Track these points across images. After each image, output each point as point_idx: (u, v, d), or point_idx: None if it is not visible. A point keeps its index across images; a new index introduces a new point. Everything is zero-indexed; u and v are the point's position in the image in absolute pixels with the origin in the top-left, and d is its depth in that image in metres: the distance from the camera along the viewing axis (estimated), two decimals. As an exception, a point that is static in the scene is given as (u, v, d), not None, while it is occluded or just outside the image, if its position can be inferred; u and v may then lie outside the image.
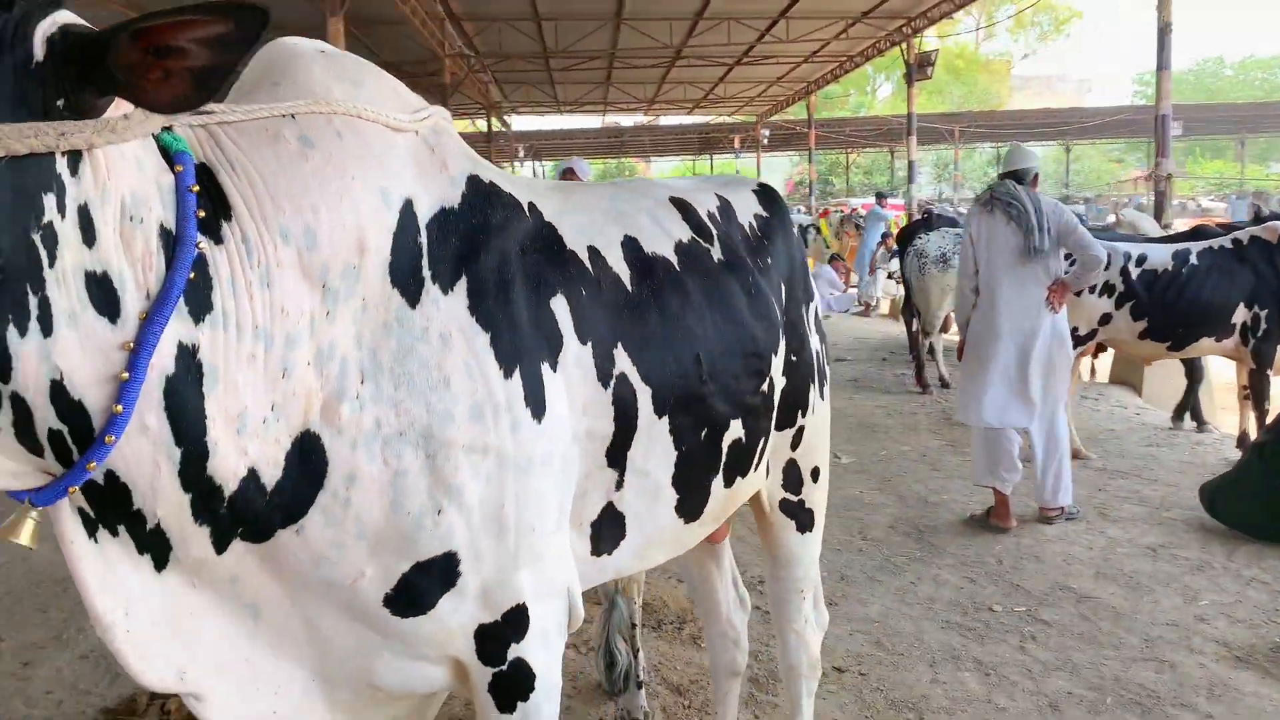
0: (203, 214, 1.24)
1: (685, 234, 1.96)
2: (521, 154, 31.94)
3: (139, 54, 1.09)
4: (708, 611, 2.72)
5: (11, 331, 1.07)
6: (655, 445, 1.78)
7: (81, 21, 1.12)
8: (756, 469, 2.10)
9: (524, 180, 1.83)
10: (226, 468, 1.28)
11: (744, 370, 1.95)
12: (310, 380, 1.34)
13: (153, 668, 1.30)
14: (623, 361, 1.71)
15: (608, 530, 1.77)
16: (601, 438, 1.69)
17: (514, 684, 1.60)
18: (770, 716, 3.27)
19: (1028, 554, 4.73)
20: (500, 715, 1.61)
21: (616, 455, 1.72)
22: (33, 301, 1.09)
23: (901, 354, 10.46)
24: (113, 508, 1.24)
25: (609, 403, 1.68)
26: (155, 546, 1.29)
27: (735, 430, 1.94)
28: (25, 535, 1.17)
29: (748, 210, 2.18)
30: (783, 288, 2.14)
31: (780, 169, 51.06)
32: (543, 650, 1.63)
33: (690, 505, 1.91)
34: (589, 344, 1.66)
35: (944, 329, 9.49)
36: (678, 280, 1.86)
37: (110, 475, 1.20)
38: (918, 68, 16.89)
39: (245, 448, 1.29)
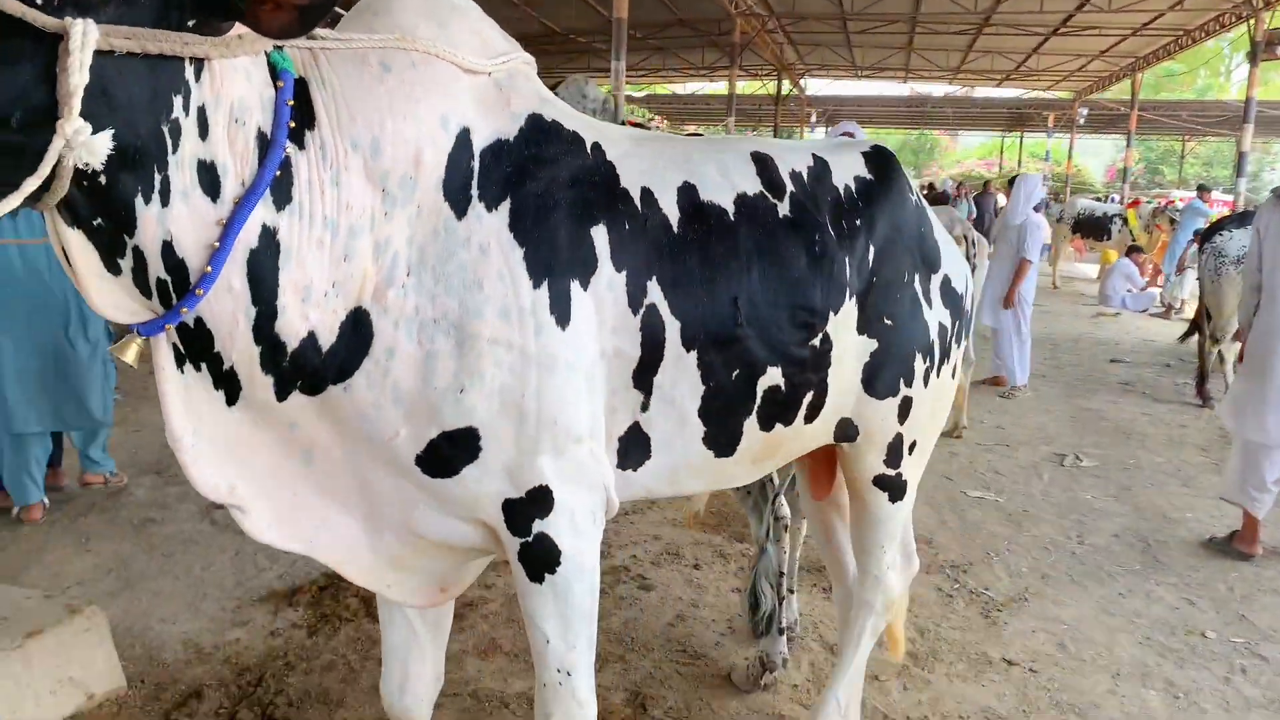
0: (293, 125, 1.50)
1: (753, 187, 2.03)
2: (814, 119, 31.46)
3: None
4: (832, 569, 2.78)
5: (139, 199, 1.38)
6: (682, 376, 1.89)
7: None
8: (810, 421, 2.12)
9: (598, 124, 1.99)
10: (291, 329, 1.56)
11: (789, 322, 1.99)
12: (367, 266, 1.60)
13: (207, 479, 1.61)
14: (654, 293, 1.84)
15: (633, 449, 1.92)
16: (628, 359, 1.83)
17: (539, 556, 1.81)
18: (923, 692, 3.21)
19: (1268, 587, 4.23)
20: (531, 584, 1.83)
21: (643, 379, 1.86)
22: (157, 178, 1.39)
23: (1190, 362, 9.43)
24: (198, 348, 1.54)
25: (637, 329, 1.82)
26: (228, 385, 1.59)
27: (773, 377, 2.00)
28: (130, 355, 1.49)
29: (847, 172, 2.18)
30: (872, 250, 2.13)
31: (1103, 152, 46.67)
32: (570, 532, 1.81)
33: (720, 440, 2.00)
34: (623, 272, 1.80)
35: (1237, 337, 8.44)
36: (728, 228, 1.95)
37: (199, 321, 1.50)
38: (1265, 46, 14.80)
39: (308, 314, 1.56)
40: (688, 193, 1.93)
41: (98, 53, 1.22)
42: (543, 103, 1.83)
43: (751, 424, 2.03)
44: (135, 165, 1.36)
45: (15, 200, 1.24)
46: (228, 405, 1.61)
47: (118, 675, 2.91)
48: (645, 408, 1.90)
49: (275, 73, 1.50)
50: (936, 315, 2.26)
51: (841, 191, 2.15)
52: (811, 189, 2.11)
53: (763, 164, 2.08)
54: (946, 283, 2.30)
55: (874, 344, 2.15)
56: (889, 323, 2.16)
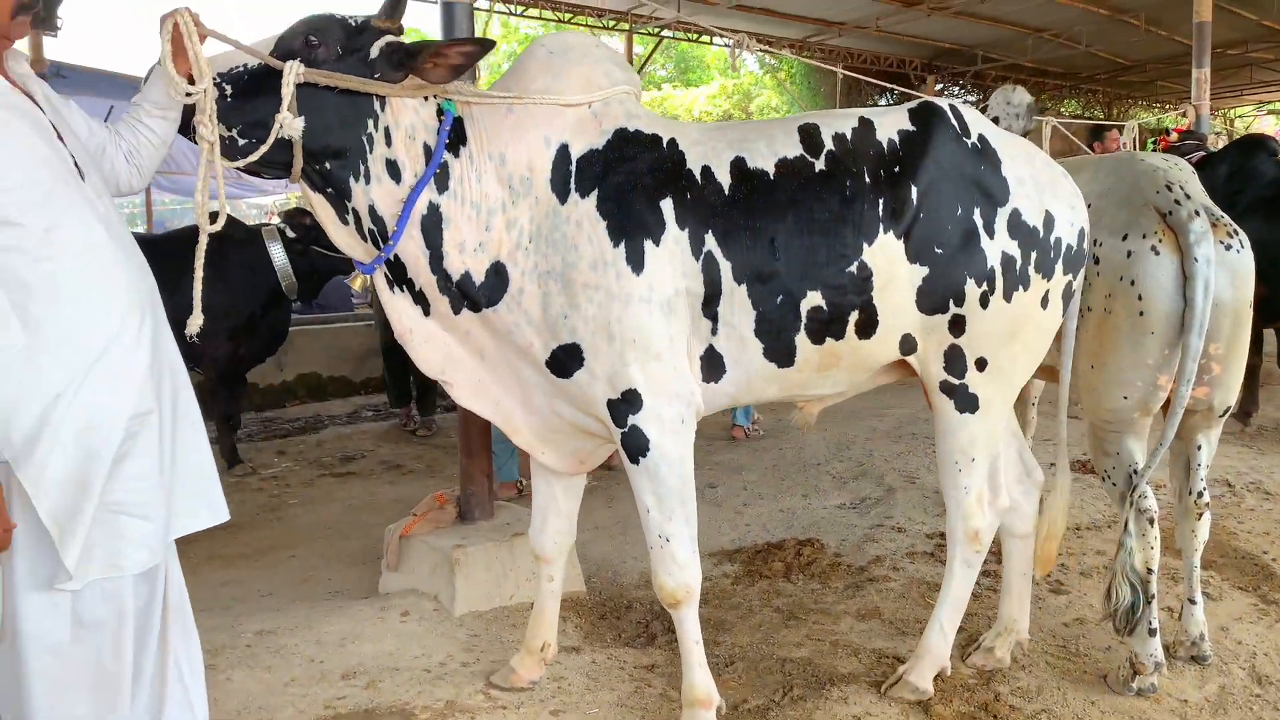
0: (450, 142, 2.49)
1: (793, 152, 2.60)
2: None
3: (429, 56, 2.39)
4: None
5: (352, 179, 2.46)
6: (738, 305, 2.54)
7: (402, 40, 2.38)
8: (867, 337, 2.62)
9: (678, 125, 2.73)
10: (453, 267, 2.53)
11: (822, 255, 2.54)
12: (501, 235, 2.53)
13: (427, 363, 2.64)
14: (710, 243, 2.52)
15: (713, 365, 2.59)
16: (696, 295, 2.52)
17: (634, 444, 2.55)
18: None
19: None
20: (631, 466, 2.58)
21: (709, 310, 2.54)
22: (362, 168, 2.46)
23: None
24: (399, 275, 2.57)
25: (699, 271, 2.51)
26: (422, 301, 2.59)
27: (813, 300, 2.56)
28: (357, 284, 2.57)
29: (891, 128, 2.65)
30: (914, 190, 2.57)
31: None
32: (656, 427, 2.53)
33: (779, 353, 2.60)
34: (685, 229, 2.52)
35: None
36: (769, 186, 2.56)
37: (397, 258, 2.52)
38: None
39: (464, 260, 2.52)
40: (738, 164, 2.58)
41: (310, 84, 2.26)
42: (628, 118, 2.61)
43: (802, 339, 2.59)
44: (346, 158, 2.40)
45: (261, 151, 2.28)
46: (424, 315, 2.56)
47: (579, 581, 3.87)
48: (715, 332, 2.56)
49: (442, 113, 2.51)
50: (999, 245, 2.63)
51: (885, 145, 2.63)
52: (853, 146, 2.62)
53: (807, 132, 2.65)
54: (1015, 216, 2.64)
55: (925, 270, 2.60)
56: (939, 251, 2.59)
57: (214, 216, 2.28)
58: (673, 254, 2.50)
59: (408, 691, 2.93)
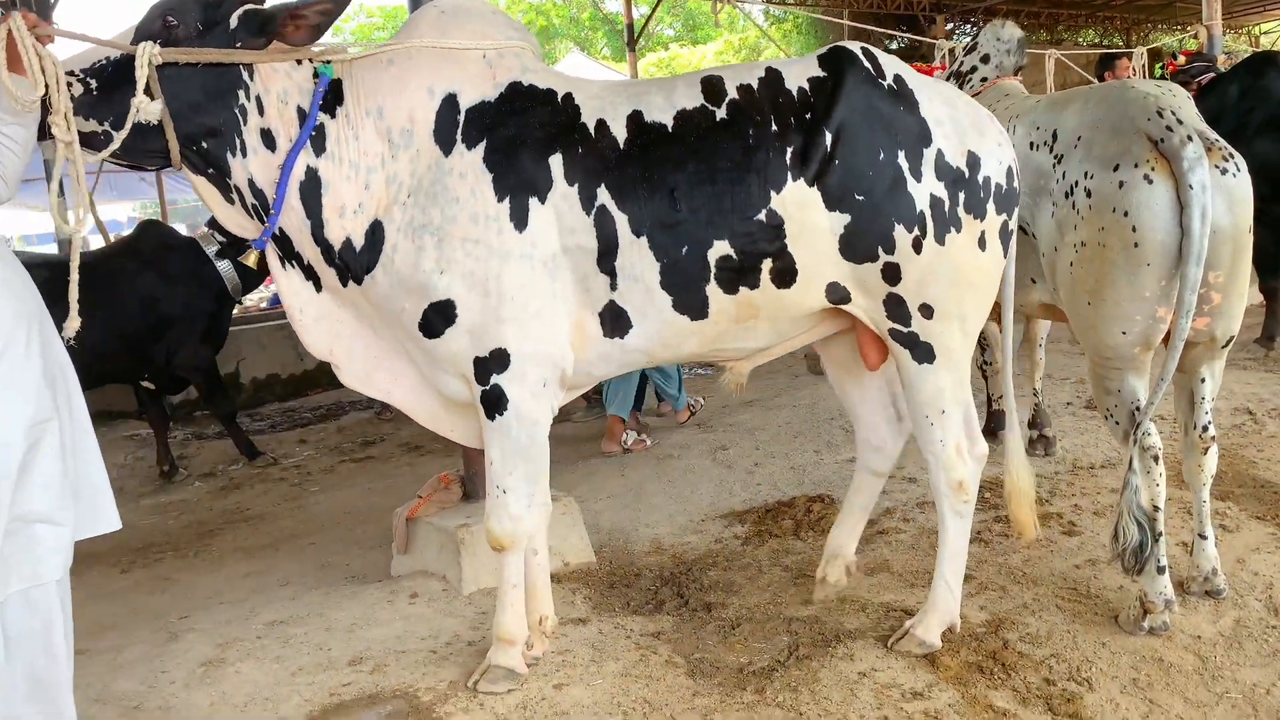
0: (325, 104, 2.49)
1: (694, 103, 2.57)
2: None
3: (286, 19, 2.36)
4: (854, 419, 3.28)
5: (229, 154, 2.46)
6: (640, 257, 2.51)
7: (260, 6, 2.33)
8: (786, 286, 2.59)
9: (577, 80, 2.70)
10: (334, 235, 2.51)
11: (729, 202, 2.50)
12: (380, 191, 2.51)
13: (314, 343, 2.65)
14: (603, 197, 2.50)
15: (616, 320, 2.58)
16: (589, 250, 2.51)
17: (492, 400, 2.57)
18: None
19: None
20: (486, 421, 2.60)
21: (606, 264, 2.52)
22: (238, 142, 2.46)
23: None
24: (286, 249, 2.57)
25: (591, 226, 2.50)
26: (312, 276, 2.59)
27: (721, 249, 2.53)
28: (252, 260, 2.51)
29: (800, 76, 2.61)
30: (827, 136, 2.52)
31: None
32: (519, 387, 2.54)
33: (689, 305, 2.57)
34: (575, 185, 2.50)
35: None
36: (666, 138, 2.53)
37: (282, 231, 2.52)
38: None
39: (344, 225, 2.50)
40: (634, 117, 2.56)
41: (172, 64, 2.23)
42: (524, 72, 2.61)
43: (714, 289, 2.55)
44: (221, 134, 2.38)
45: (118, 140, 2.26)
46: (316, 291, 2.55)
47: (588, 552, 3.86)
48: (614, 287, 2.54)
49: (318, 76, 2.54)
50: (926, 188, 2.57)
51: (795, 92, 2.58)
52: (759, 95, 2.57)
53: (710, 84, 2.62)
54: (940, 157, 2.58)
55: (847, 217, 2.55)
56: (860, 197, 2.53)
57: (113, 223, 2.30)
58: (560, 210, 2.49)
59: (412, 674, 2.95)
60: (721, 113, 2.58)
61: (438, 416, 2.80)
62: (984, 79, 4.13)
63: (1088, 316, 2.96)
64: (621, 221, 2.51)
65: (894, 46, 16.59)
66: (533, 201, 2.49)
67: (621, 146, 2.54)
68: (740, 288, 2.59)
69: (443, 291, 2.48)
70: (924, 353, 2.71)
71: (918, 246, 2.59)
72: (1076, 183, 2.95)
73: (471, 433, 2.82)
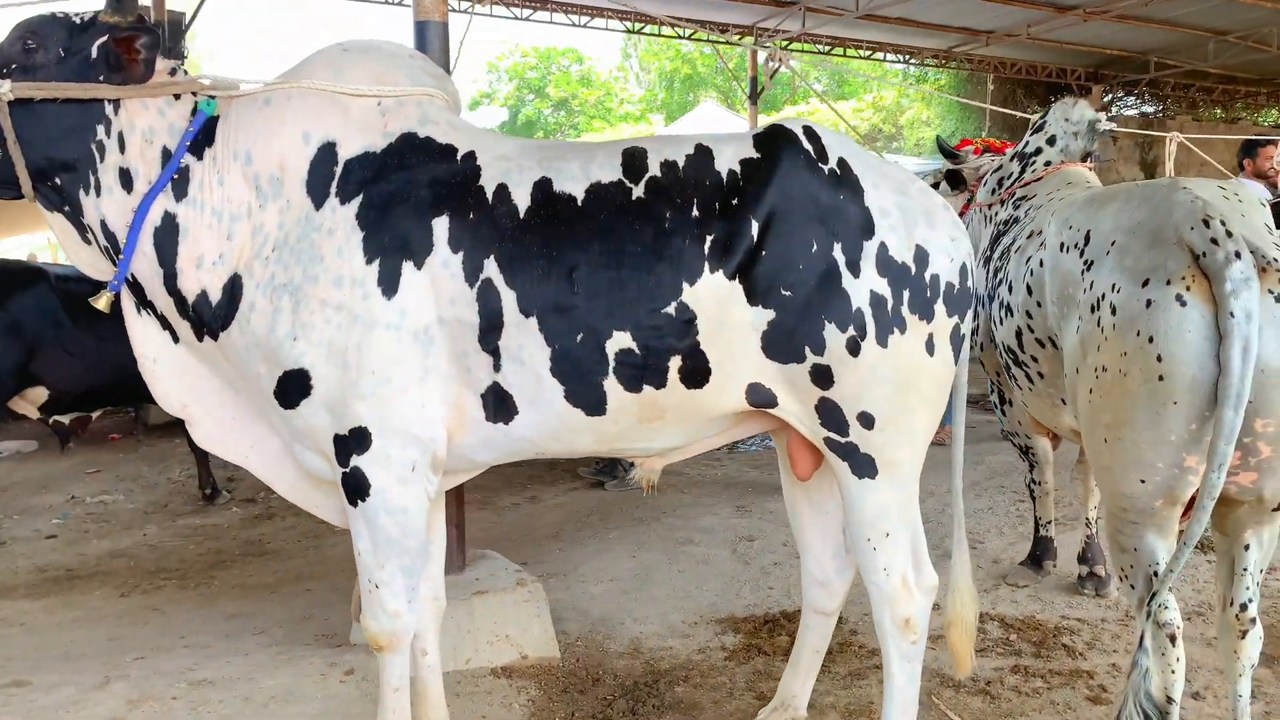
0: (193, 145, 2.30)
1: (610, 176, 2.31)
2: None
3: (123, 54, 2.22)
4: (800, 546, 2.89)
5: (81, 193, 2.28)
6: (528, 339, 2.24)
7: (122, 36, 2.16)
8: (698, 386, 2.29)
9: (496, 137, 2.46)
10: (189, 287, 2.29)
11: (635, 291, 2.23)
12: (244, 243, 2.29)
13: (165, 397, 2.42)
14: (490, 269, 2.24)
15: (499, 404, 2.31)
16: (470, 325, 2.25)
17: (353, 485, 2.32)
18: None
19: None
20: (350, 508, 2.35)
21: (489, 342, 2.25)
22: (92, 179, 2.28)
23: None
24: (140, 297, 2.36)
25: (474, 299, 2.24)
26: (167, 326, 2.38)
27: (621, 341, 2.25)
28: (103, 303, 2.26)
29: (733, 157, 2.33)
30: (754, 225, 2.25)
31: None
32: (382, 471, 2.29)
33: (584, 399, 2.28)
34: (460, 253, 2.24)
35: None
36: (573, 212, 2.27)
37: (134, 277, 2.31)
38: None
39: (201, 277, 2.28)
40: (542, 185, 2.30)
41: (22, 101, 2.08)
42: (422, 123, 2.37)
43: (613, 385, 2.28)
44: (75, 170, 2.21)
45: None
46: (174, 342, 2.34)
47: (551, 645, 3.54)
48: (498, 368, 2.27)
49: (196, 113, 2.34)
50: (866, 284, 2.27)
51: (724, 174, 2.31)
52: (684, 174, 2.30)
53: (631, 156, 2.35)
54: (883, 251, 2.29)
55: (770, 314, 2.27)
56: (787, 293, 2.25)
57: None
58: (438, 278, 2.25)
59: (296, 770, 2.70)
60: (639, 190, 2.30)
61: (302, 491, 2.56)
62: (1048, 163, 3.66)
63: (1103, 456, 2.48)
64: (509, 298, 2.25)
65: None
66: (406, 266, 2.24)
67: (521, 216, 2.28)
68: (644, 386, 2.29)
69: (296, 360, 2.25)
70: (864, 466, 2.37)
71: (854, 348, 2.28)
72: (1103, 296, 2.50)
73: (336, 510, 2.57)
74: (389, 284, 2.23)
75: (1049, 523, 4.17)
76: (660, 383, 2.29)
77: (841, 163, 2.33)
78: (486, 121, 28.81)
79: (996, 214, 3.75)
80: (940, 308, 2.33)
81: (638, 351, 2.26)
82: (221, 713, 3.05)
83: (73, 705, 3.13)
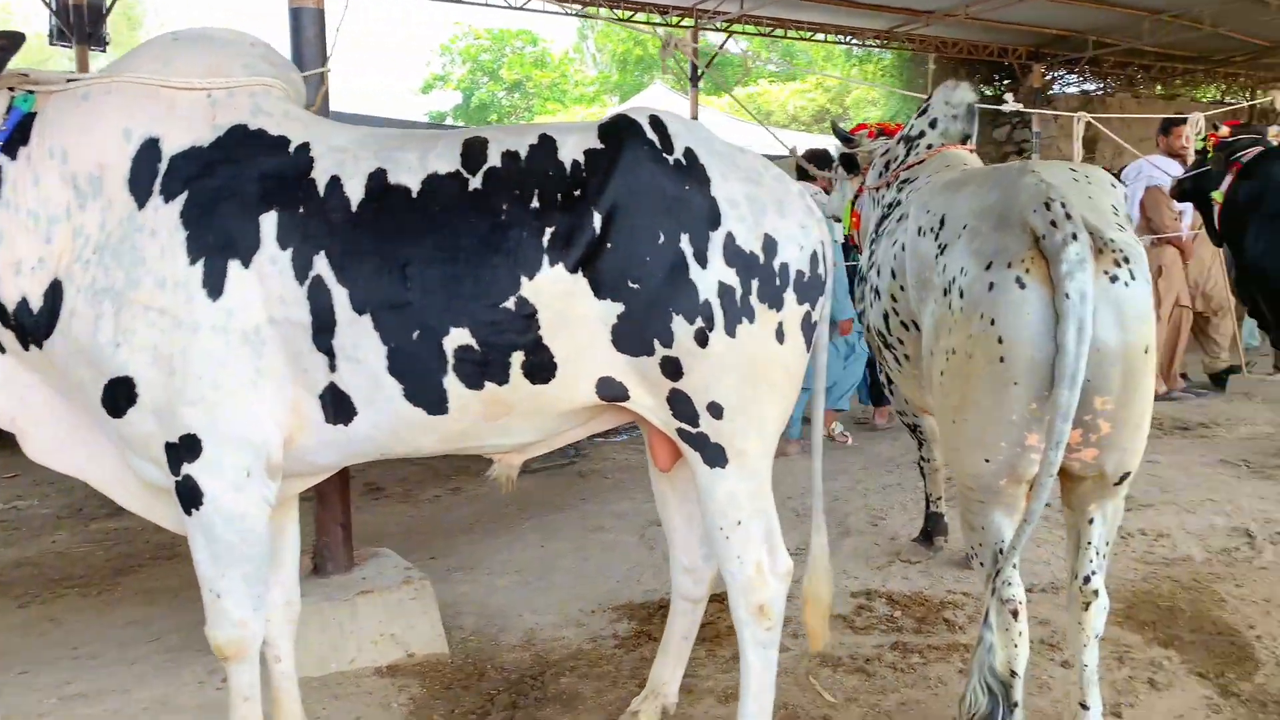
0: (2, 145, 2.19)
1: (447, 167, 2.25)
2: None
3: None
4: (667, 534, 2.90)
5: None
6: (363, 338, 2.17)
7: None
8: (544, 382, 2.25)
9: (324, 127, 2.37)
10: (8, 294, 2.21)
11: (471, 287, 2.17)
12: (65, 245, 2.18)
13: None
14: (320, 266, 2.16)
15: (337, 405, 2.24)
16: (302, 325, 2.17)
17: (186, 494, 2.25)
18: None
19: None
20: (185, 517, 2.28)
21: (322, 341, 2.18)
22: None
23: None
24: None
25: (304, 298, 2.16)
26: None
27: (459, 337, 2.19)
28: None
29: (576, 147, 2.29)
30: (596, 217, 2.21)
31: None
32: (215, 479, 2.22)
33: (423, 397, 2.23)
34: (289, 250, 2.16)
35: None
36: (407, 205, 2.20)
37: None
38: None
39: (20, 284, 2.19)
40: (377, 177, 2.23)
41: None
42: (255, 114, 2.29)
43: (454, 382, 2.22)
44: None
45: None
46: (1, 352, 2.24)
47: (440, 641, 3.50)
48: (334, 368, 2.21)
49: (11, 111, 2.17)
50: (714, 275, 2.24)
51: (567, 165, 2.26)
52: (525, 165, 2.25)
53: (471, 146, 2.29)
54: (730, 241, 2.26)
55: (619, 306, 2.22)
56: (634, 286, 2.21)
57: None
58: (266, 277, 2.18)
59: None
60: (476, 181, 2.25)
61: (143, 500, 2.48)
62: (930, 145, 3.65)
63: (951, 437, 2.49)
64: (340, 296, 2.18)
65: (989, 93, 15.83)
66: (232, 265, 2.17)
67: (354, 210, 2.21)
68: (486, 382, 2.25)
69: (120, 367, 2.17)
70: (715, 455, 2.35)
71: (702, 339, 2.25)
72: (954, 279, 2.49)
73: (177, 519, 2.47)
74: (214, 285, 2.16)
75: (939, 499, 4.21)
76: (503, 379, 2.24)
77: (688, 153, 2.30)
78: (439, 105, 28.45)
79: (883, 196, 3.75)
80: (790, 296, 2.32)
81: (477, 348, 2.21)
82: (87, 725, 2.98)
83: (-61, 722, 3.05)
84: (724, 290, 2.24)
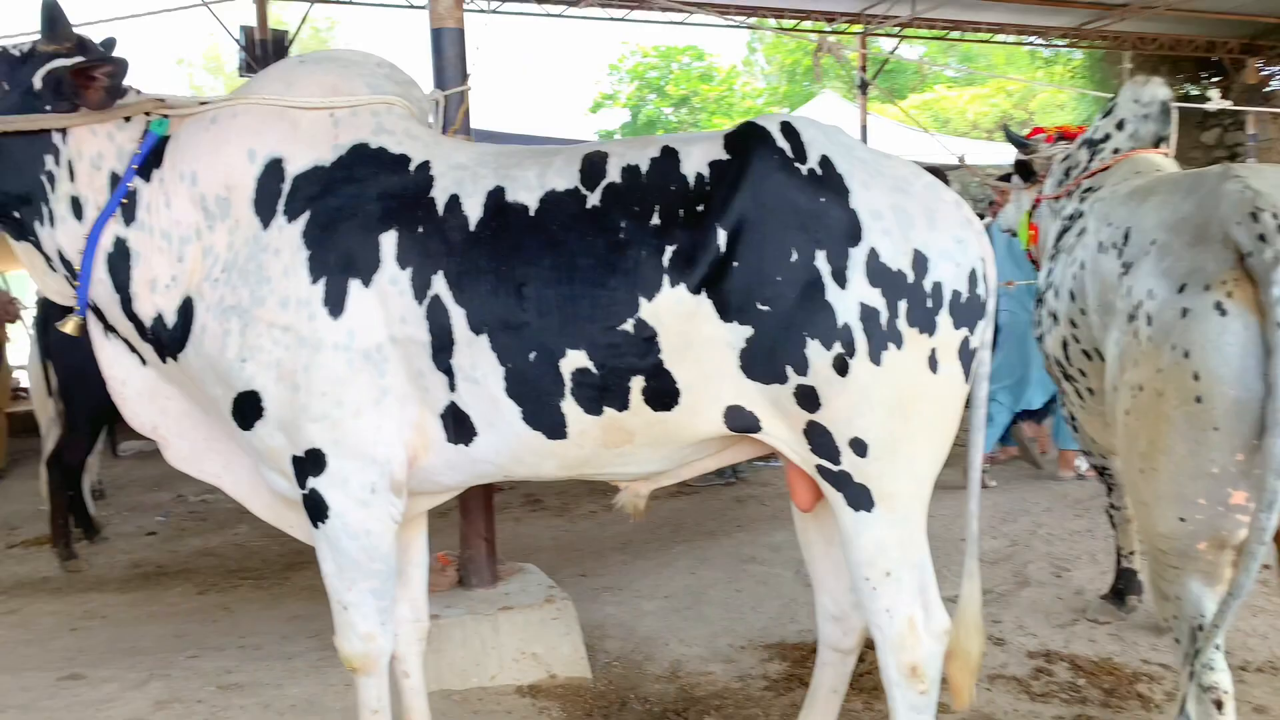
0: (137, 169, 2.28)
1: (567, 184, 2.19)
2: None
3: (74, 81, 2.21)
4: (813, 579, 2.72)
5: (37, 223, 2.29)
6: (480, 358, 2.14)
7: (62, 64, 2.23)
8: (666, 409, 2.15)
9: (455, 145, 2.37)
10: (145, 310, 2.28)
11: (588, 307, 2.10)
12: (196, 265, 2.26)
13: (137, 418, 2.44)
14: (439, 285, 2.15)
15: (458, 425, 2.22)
16: (421, 343, 2.16)
17: (312, 508, 2.27)
18: None
19: None
20: (313, 529, 2.31)
21: (442, 360, 2.17)
22: (44, 210, 2.28)
23: None
24: (105, 322, 2.37)
25: (424, 317, 2.15)
26: (134, 349, 2.38)
27: (577, 360, 2.12)
28: (70, 327, 2.30)
29: (701, 159, 2.18)
30: (721, 233, 2.09)
31: None
32: (340, 493, 2.23)
33: (542, 421, 2.18)
34: (408, 269, 2.16)
35: None
36: (525, 223, 2.16)
37: (94, 303, 2.31)
38: None
39: (156, 300, 2.27)
40: (495, 195, 2.20)
41: None
42: (377, 132, 2.29)
43: (572, 406, 2.16)
44: (28, 203, 2.28)
45: None
46: (142, 364, 2.33)
47: (582, 664, 3.44)
48: (453, 387, 2.19)
49: (147, 135, 2.31)
50: (854, 296, 2.07)
51: (691, 179, 2.15)
52: (646, 180, 2.17)
53: (590, 162, 2.22)
54: (873, 257, 2.07)
55: (748, 330, 2.10)
56: (764, 308, 2.08)
57: None
58: (386, 296, 2.18)
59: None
60: (594, 198, 2.17)
61: (276, 511, 2.52)
62: (1116, 149, 3.30)
63: (1139, 488, 2.21)
64: (458, 315, 2.15)
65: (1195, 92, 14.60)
66: (353, 284, 2.17)
67: (472, 228, 2.18)
68: (604, 408, 2.16)
69: (247, 382, 2.21)
70: (859, 497, 2.17)
71: (841, 367, 2.08)
72: (1140, 304, 2.21)
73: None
74: (335, 304, 2.17)
75: (1132, 553, 3.79)
76: (622, 404, 2.16)
77: (824, 161, 2.13)
78: (607, 123, 28.90)
79: (1064, 207, 3.42)
80: (944, 319, 2.10)
81: (595, 371, 2.13)
82: (236, 719, 3.09)
83: (105, 702, 3.24)
84: (866, 313, 2.07)
